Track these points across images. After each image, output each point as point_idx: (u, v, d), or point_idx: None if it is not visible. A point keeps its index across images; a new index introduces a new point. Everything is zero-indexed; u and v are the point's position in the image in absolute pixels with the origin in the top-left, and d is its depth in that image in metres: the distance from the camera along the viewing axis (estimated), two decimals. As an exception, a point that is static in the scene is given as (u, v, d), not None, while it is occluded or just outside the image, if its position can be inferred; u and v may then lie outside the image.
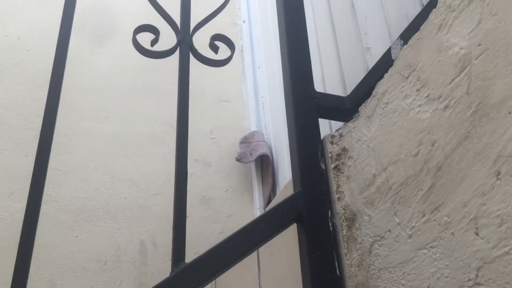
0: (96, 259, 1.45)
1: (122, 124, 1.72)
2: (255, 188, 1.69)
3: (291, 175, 0.80)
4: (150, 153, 1.69)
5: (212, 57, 0.85)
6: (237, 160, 1.69)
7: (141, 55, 1.91)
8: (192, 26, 0.87)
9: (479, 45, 0.51)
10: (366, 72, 0.89)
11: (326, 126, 1.08)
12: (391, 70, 0.67)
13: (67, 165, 1.58)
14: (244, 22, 2.06)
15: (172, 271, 0.65)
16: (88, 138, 1.65)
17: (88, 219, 1.51)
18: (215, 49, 0.86)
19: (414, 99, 0.61)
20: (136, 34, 0.83)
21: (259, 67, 1.89)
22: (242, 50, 2.03)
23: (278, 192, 1.55)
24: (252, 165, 1.74)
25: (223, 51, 0.88)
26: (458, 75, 0.54)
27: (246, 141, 1.71)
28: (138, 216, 1.56)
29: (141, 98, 1.80)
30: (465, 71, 0.53)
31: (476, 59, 0.51)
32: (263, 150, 1.63)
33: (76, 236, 1.47)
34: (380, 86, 0.69)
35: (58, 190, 1.52)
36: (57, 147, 1.59)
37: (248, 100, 1.90)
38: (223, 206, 1.67)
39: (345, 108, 0.84)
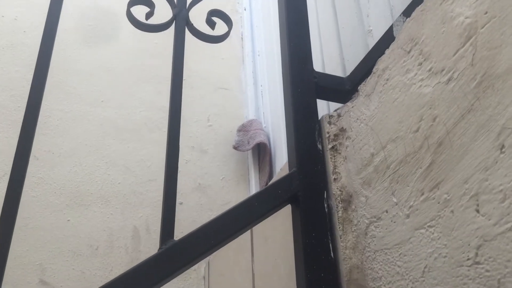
0: (88, 244, 1.43)
1: (118, 109, 1.69)
2: (251, 177, 1.67)
3: (287, 159, 0.78)
4: (146, 139, 1.67)
5: (209, 33, 0.82)
6: (234, 148, 1.67)
7: (139, 40, 1.88)
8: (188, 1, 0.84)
9: (486, 13, 0.48)
10: (367, 55, 0.86)
11: (324, 109, 1.05)
12: (392, 45, 0.65)
13: (61, 149, 1.55)
14: (245, 9, 2.03)
15: (160, 248, 0.62)
16: (83, 122, 1.63)
17: (81, 204, 1.48)
18: (212, 24, 0.83)
19: (416, 74, 0.58)
20: (130, 7, 0.80)
21: (259, 55, 1.86)
22: (242, 38, 2.00)
23: (274, 181, 1.53)
24: (249, 153, 1.71)
25: (221, 31, 0.85)
26: (463, 46, 0.51)
27: (243, 129, 1.69)
28: (132, 201, 1.54)
29: (138, 83, 1.77)
30: (470, 41, 0.50)
31: (482, 28, 0.49)
32: (260, 138, 1.60)
33: (68, 220, 1.45)
34: (381, 63, 0.67)
35: (51, 173, 1.50)
36: (51, 130, 1.57)
37: (247, 88, 1.87)
38: (218, 194, 1.64)
39: (345, 88, 0.82)
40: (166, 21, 0.80)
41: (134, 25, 0.80)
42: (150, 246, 1.48)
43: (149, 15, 0.81)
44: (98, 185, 1.53)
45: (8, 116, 1.55)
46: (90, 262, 1.40)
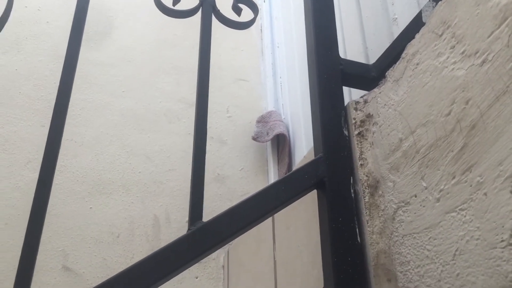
0: (109, 232, 1.45)
1: (139, 99, 1.71)
2: (270, 168, 1.67)
3: (309, 148, 0.78)
4: (166, 129, 1.68)
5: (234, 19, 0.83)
6: (254, 139, 1.67)
7: (159, 32, 1.89)
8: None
9: (523, -7, 0.48)
10: (392, 44, 0.86)
11: (346, 97, 1.05)
12: (423, 30, 0.64)
13: (83, 137, 1.57)
14: (264, 1, 2.03)
15: (189, 229, 0.63)
16: (104, 112, 1.65)
17: (102, 192, 1.50)
18: (238, 11, 0.84)
19: (448, 57, 0.58)
20: (158, -7, 0.81)
21: (278, 47, 1.86)
22: (261, 29, 2.00)
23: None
24: (268, 144, 1.72)
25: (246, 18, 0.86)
26: (498, 27, 0.51)
27: (263, 120, 1.69)
28: (152, 191, 1.55)
29: (158, 74, 1.78)
30: (506, 22, 0.50)
31: (519, 8, 0.48)
32: (280, 129, 1.60)
33: (90, 208, 1.47)
34: (411, 47, 0.66)
35: (73, 162, 1.52)
36: (73, 119, 1.59)
37: (266, 79, 1.87)
38: (237, 185, 1.65)
39: (370, 75, 0.82)
40: (193, 7, 0.81)
41: (161, 11, 0.81)
42: (170, 235, 1.49)
43: (176, 1, 0.82)
44: (119, 174, 1.55)
45: (31, 105, 1.58)
46: (111, 249, 1.42)
